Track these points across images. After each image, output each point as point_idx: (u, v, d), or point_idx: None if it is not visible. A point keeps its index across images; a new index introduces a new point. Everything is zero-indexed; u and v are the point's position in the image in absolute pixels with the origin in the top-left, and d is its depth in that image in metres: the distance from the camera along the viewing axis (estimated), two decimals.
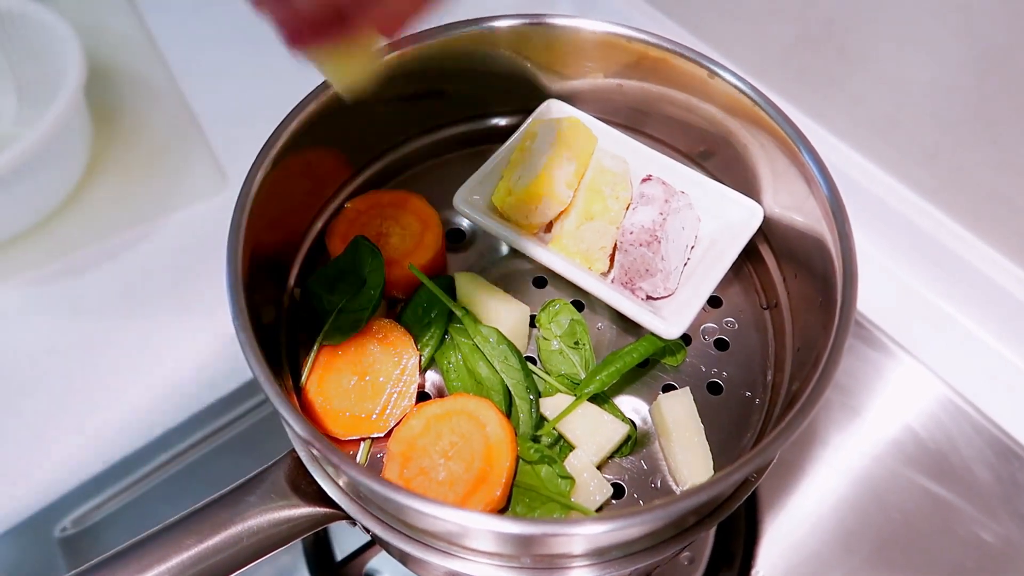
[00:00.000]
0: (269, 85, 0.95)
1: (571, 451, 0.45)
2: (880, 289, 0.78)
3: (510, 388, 0.46)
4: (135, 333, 0.77)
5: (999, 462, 0.69)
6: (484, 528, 0.36)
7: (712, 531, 0.66)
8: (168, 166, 0.89)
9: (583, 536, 0.38)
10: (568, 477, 0.42)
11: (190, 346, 0.76)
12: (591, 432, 0.44)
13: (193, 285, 0.80)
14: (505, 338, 0.47)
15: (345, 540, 0.65)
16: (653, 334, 0.46)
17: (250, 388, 0.74)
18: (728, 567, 0.65)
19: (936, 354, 0.74)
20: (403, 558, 0.51)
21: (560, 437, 0.45)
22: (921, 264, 0.79)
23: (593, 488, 0.43)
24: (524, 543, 0.39)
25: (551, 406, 0.46)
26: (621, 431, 0.44)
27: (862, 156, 0.84)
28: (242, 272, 0.42)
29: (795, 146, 0.45)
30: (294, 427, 0.37)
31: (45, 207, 0.83)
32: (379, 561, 0.63)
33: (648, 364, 0.49)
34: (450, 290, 0.50)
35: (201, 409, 0.72)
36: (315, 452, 0.42)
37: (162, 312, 0.78)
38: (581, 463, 0.44)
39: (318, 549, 0.65)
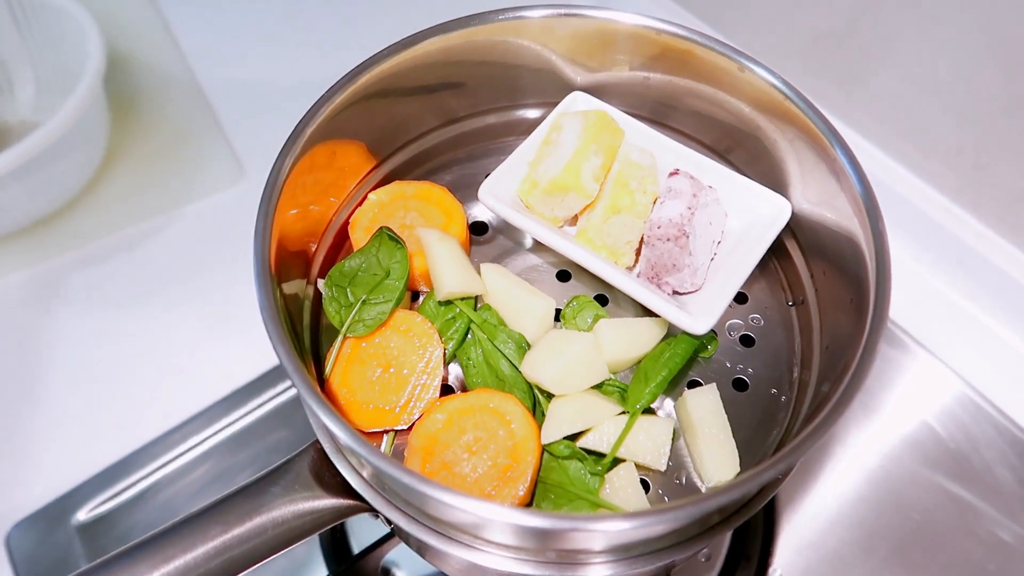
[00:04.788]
0: (285, 76, 0.95)
1: (618, 464, 0.44)
2: (902, 287, 0.77)
3: (532, 385, 0.46)
4: (152, 322, 0.77)
5: (1020, 463, 0.68)
6: (513, 522, 0.36)
7: None
8: (185, 157, 0.89)
9: (609, 533, 0.38)
10: (597, 474, 0.42)
11: (207, 336, 0.76)
12: (645, 441, 0.44)
13: (209, 275, 0.80)
14: (524, 340, 0.46)
15: (362, 533, 0.65)
16: (683, 331, 0.46)
17: (265, 379, 0.74)
18: (745, 565, 0.65)
19: (957, 353, 0.74)
20: (422, 551, 0.51)
21: (616, 461, 0.44)
22: (943, 262, 0.78)
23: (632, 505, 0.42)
24: (550, 538, 0.39)
25: (597, 433, 0.44)
26: (669, 427, 0.44)
27: (885, 154, 0.83)
28: (270, 262, 0.41)
29: (828, 142, 0.45)
30: (321, 418, 0.37)
31: (63, 196, 0.83)
32: (396, 554, 0.63)
33: None
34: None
35: (217, 399, 0.72)
36: (341, 443, 0.41)
37: (178, 302, 0.78)
38: (629, 477, 0.43)
39: (335, 542, 0.65)
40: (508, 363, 0.46)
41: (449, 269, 0.47)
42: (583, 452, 0.43)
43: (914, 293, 0.78)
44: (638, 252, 0.49)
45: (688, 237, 0.46)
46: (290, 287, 0.47)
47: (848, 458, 0.69)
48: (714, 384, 0.46)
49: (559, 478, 0.42)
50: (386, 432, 0.46)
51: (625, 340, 0.46)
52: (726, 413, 0.45)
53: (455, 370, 0.48)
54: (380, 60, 0.48)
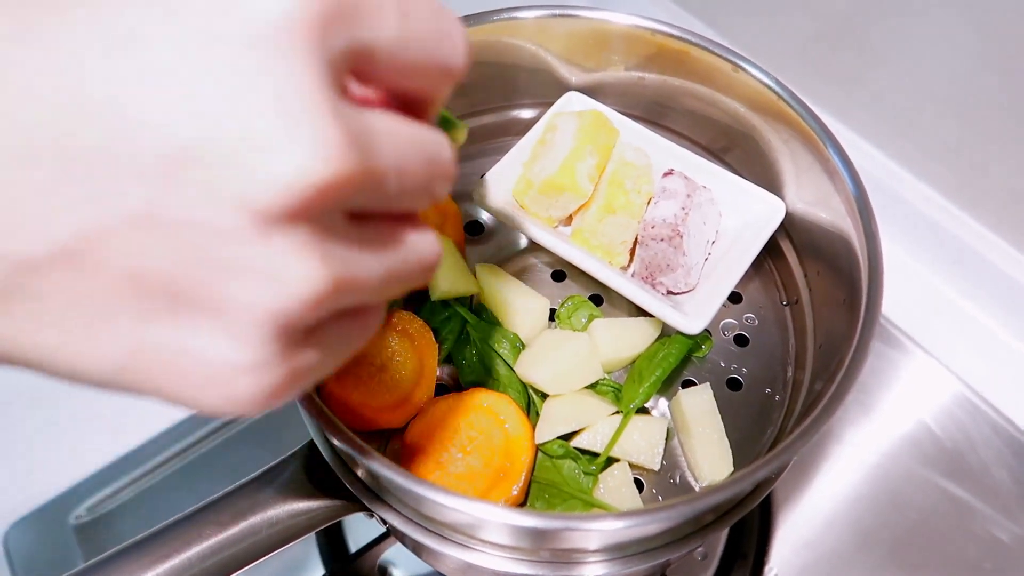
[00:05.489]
0: None
1: (612, 464, 0.44)
2: (898, 286, 0.77)
3: (527, 385, 0.46)
4: None
5: (1017, 462, 0.68)
6: (507, 522, 0.36)
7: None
8: None
9: (603, 532, 0.38)
10: (591, 473, 0.42)
11: None
12: (639, 440, 0.44)
13: None
14: (518, 340, 0.46)
15: (359, 532, 0.65)
16: (677, 330, 0.46)
17: None
18: (741, 564, 0.65)
19: (954, 352, 0.74)
20: (418, 550, 0.51)
21: (610, 460, 0.44)
22: (940, 261, 0.78)
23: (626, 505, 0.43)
24: (544, 537, 0.39)
25: (591, 432, 0.44)
26: (662, 427, 0.44)
27: (882, 153, 0.83)
28: None
29: (821, 142, 0.45)
30: (315, 418, 0.37)
31: None
32: (393, 553, 0.63)
33: None
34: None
35: None
36: (335, 443, 0.41)
37: None
38: (623, 477, 0.43)
39: (331, 541, 0.65)
40: (503, 363, 0.47)
41: (444, 269, 0.47)
42: (577, 452, 0.43)
43: (912, 292, 0.78)
44: (632, 252, 0.49)
45: (682, 237, 0.46)
46: None
47: (845, 457, 0.69)
48: (708, 384, 0.46)
49: (553, 478, 0.42)
50: (380, 432, 0.46)
51: (619, 340, 0.46)
52: (720, 412, 0.45)
53: (450, 370, 0.48)
54: None
